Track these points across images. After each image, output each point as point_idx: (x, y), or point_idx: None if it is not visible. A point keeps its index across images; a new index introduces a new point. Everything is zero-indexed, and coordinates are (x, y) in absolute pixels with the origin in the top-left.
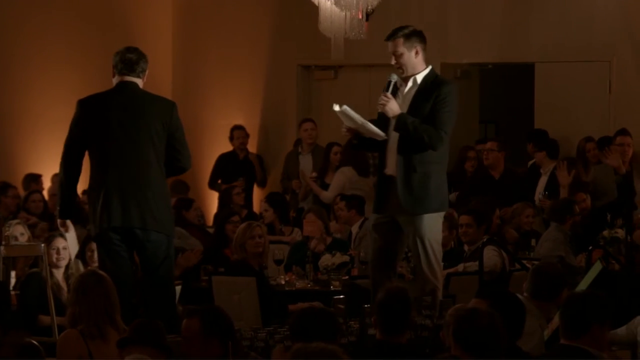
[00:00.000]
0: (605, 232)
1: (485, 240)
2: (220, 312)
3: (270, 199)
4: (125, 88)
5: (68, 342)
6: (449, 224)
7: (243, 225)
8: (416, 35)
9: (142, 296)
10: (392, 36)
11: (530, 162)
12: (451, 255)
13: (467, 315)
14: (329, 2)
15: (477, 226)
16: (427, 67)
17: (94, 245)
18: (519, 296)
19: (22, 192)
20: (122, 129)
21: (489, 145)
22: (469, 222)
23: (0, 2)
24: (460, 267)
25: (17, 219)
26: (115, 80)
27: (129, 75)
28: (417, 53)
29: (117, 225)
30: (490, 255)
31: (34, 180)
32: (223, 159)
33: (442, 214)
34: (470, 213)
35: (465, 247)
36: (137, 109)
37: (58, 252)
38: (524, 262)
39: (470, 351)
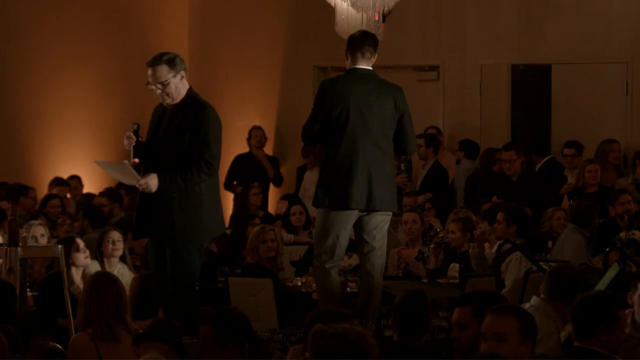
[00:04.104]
0: (622, 234)
1: (502, 242)
2: (234, 314)
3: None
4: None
5: (78, 346)
6: (463, 226)
7: (256, 229)
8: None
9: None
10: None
11: (545, 159)
12: (468, 257)
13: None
14: (345, 4)
15: (507, 225)
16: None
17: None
18: (535, 298)
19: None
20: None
21: (508, 156)
22: (499, 219)
23: (16, 5)
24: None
25: (39, 220)
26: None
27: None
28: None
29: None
30: (517, 269)
31: (59, 184)
32: (239, 160)
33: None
34: (504, 210)
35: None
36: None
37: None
38: (541, 263)
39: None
